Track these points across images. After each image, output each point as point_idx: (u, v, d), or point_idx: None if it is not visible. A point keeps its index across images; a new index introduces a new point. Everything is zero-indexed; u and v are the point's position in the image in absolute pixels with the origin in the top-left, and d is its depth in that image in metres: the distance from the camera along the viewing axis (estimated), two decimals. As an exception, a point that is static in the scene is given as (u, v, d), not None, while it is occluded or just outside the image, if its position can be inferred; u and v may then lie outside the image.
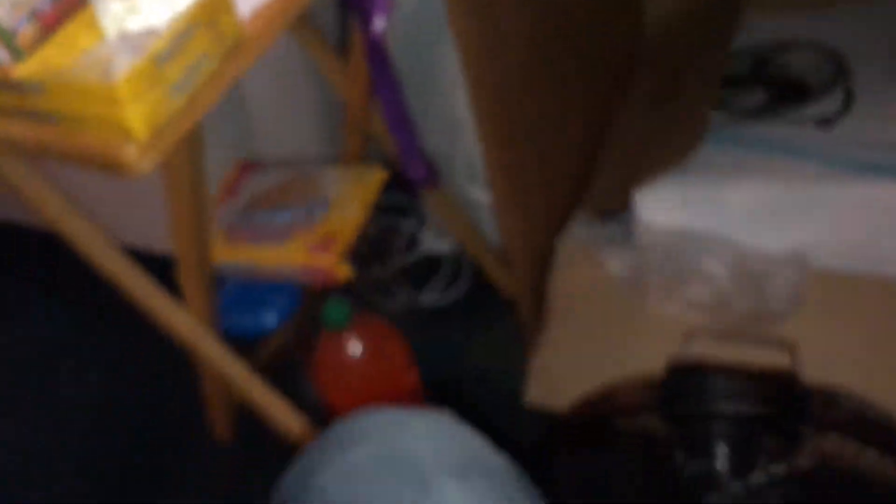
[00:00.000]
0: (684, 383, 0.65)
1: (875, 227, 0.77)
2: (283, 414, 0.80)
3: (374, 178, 0.93)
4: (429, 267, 1.16)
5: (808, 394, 0.63)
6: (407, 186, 0.99)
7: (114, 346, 1.13)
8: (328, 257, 0.84)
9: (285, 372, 0.99)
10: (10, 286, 1.35)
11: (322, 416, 0.86)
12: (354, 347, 0.80)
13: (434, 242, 1.17)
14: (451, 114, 0.91)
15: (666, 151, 0.87)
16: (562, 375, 0.88)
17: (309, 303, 0.95)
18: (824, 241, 0.79)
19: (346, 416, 0.51)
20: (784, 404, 0.62)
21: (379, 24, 0.65)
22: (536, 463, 0.72)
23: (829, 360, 0.77)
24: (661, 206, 0.87)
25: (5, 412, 1.18)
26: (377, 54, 0.67)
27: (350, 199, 0.90)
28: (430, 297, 1.13)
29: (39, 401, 1.17)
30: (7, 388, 1.21)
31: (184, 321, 0.77)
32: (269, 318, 0.91)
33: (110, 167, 0.55)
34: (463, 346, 1.08)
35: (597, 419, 0.71)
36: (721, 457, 0.63)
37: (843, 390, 0.68)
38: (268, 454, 0.92)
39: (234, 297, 0.90)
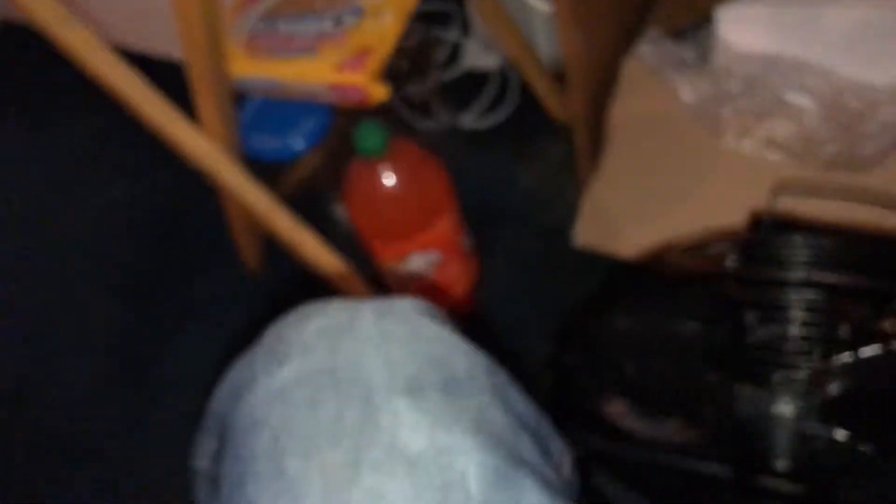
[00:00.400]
0: (770, 242, 0.57)
1: None
2: (311, 246, 0.74)
3: (415, -19, 0.80)
4: (472, 84, 1.06)
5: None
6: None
7: (141, 156, 1.06)
8: (361, 75, 0.74)
9: (315, 200, 0.92)
10: (35, 95, 1.28)
11: (353, 247, 0.80)
12: (389, 176, 0.72)
13: (479, 56, 1.05)
14: None
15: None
16: (618, 215, 0.80)
17: (341, 125, 0.86)
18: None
19: (286, 317, 0.43)
20: (882, 273, 0.54)
21: None
22: (591, 312, 0.66)
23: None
24: (746, 26, 0.74)
25: (32, 223, 1.15)
26: None
27: (386, 5, 0.79)
28: (473, 118, 1.03)
29: (67, 212, 1.14)
30: (35, 199, 1.17)
31: (198, 142, 0.69)
32: (297, 142, 0.83)
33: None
34: (507, 174, 0.99)
35: (664, 270, 0.64)
36: (799, 326, 0.56)
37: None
38: (298, 285, 0.89)
39: (257, 118, 0.82)
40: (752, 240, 0.58)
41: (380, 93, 0.75)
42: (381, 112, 0.94)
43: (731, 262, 0.57)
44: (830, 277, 0.53)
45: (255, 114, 0.82)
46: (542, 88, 0.96)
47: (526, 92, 1.00)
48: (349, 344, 0.40)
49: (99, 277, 1.06)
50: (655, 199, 0.78)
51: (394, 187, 0.73)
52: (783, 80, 0.72)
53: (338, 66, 0.75)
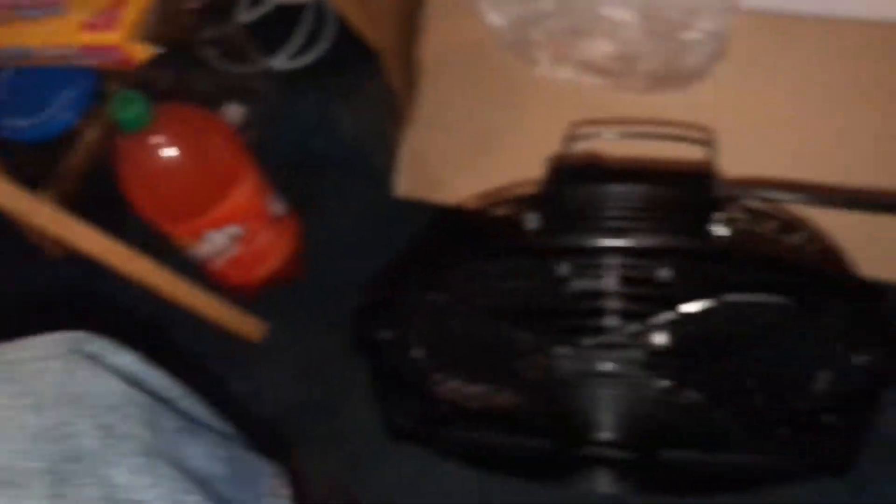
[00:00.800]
0: (568, 196, 0.50)
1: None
2: (83, 238, 0.64)
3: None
4: (286, 20, 0.94)
5: (719, 201, 0.49)
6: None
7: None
8: (114, 33, 0.63)
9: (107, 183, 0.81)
10: None
11: (145, 232, 0.70)
12: (161, 148, 0.62)
13: (286, -11, 0.94)
14: None
15: None
16: (437, 160, 0.73)
17: (112, 91, 0.75)
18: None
19: None
20: (692, 219, 0.48)
21: None
22: (399, 280, 0.58)
23: (744, 129, 0.63)
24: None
25: None
26: None
27: (141, -57, 0.67)
28: (287, 57, 0.92)
29: None
30: None
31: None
32: (61, 117, 0.71)
33: None
34: (327, 117, 0.89)
35: (477, 225, 0.57)
36: (612, 283, 0.50)
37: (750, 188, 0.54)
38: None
39: (12, 92, 0.69)
40: (547, 195, 0.51)
41: (141, 51, 0.64)
42: (178, 67, 0.83)
43: (531, 220, 0.51)
44: (638, 239, 0.47)
45: (7, 90, 0.69)
46: (358, 20, 0.86)
47: (344, 25, 0.89)
48: None
49: None
50: (474, 141, 0.70)
51: (168, 160, 0.63)
52: (596, -7, 0.65)
53: (86, 24, 0.64)
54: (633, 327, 0.48)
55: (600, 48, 0.65)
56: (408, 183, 0.74)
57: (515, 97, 0.69)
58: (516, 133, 0.68)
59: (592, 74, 0.66)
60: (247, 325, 0.78)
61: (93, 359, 0.34)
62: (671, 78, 0.64)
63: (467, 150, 0.71)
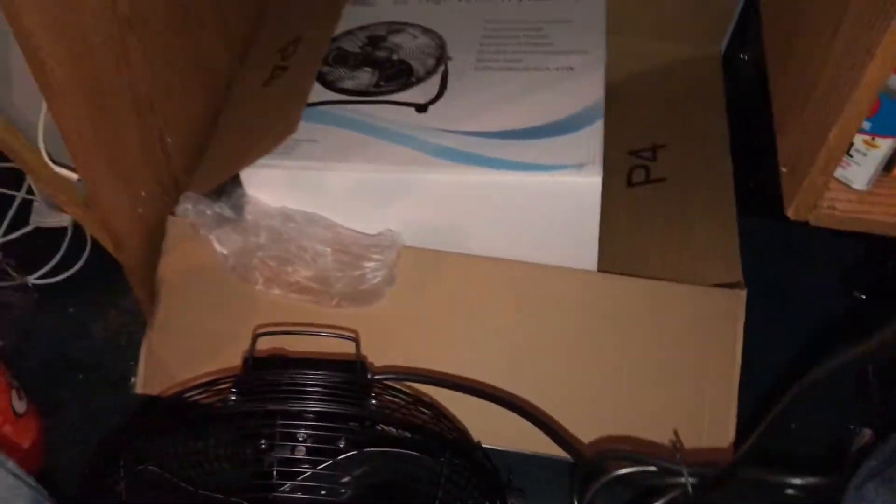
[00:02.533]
0: (258, 379, 0.65)
1: (459, 209, 0.82)
2: None
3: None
4: (44, 240, 1.07)
5: (372, 381, 0.66)
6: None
7: None
8: None
9: None
10: None
11: None
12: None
13: (47, 214, 1.07)
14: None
15: (272, 130, 0.86)
16: (172, 363, 0.85)
17: None
18: (415, 221, 0.83)
19: None
20: (352, 394, 0.65)
21: None
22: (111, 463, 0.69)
23: (414, 336, 0.83)
24: (268, 186, 0.86)
25: None
26: None
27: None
28: (45, 273, 1.03)
29: None
30: None
31: None
32: None
33: None
34: (80, 325, 1.00)
35: (187, 403, 0.69)
36: (300, 447, 0.65)
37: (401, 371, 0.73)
38: None
39: None
40: (239, 378, 0.66)
41: None
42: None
43: (230, 399, 0.65)
44: (302, 405, 0.63)
45: None
46: (108, 242, 1.00)
47: (99, 244, 1.03)
48: None
49: None
50: (204, 346, 0.84)
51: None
52: (300, 231, 0.84)
53: None
54: (321, 477, 0.62)
55: (302, 273, 0.84)
56: (145, 381, 0.86)
57: (236, 310, 0.85)
58: (237, 338, 0.83)
59: (297, 293, 0.84)
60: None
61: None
62: (357, 297, 0.83)
63: (198, 353, 0.85)
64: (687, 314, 0.81)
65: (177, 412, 0.66)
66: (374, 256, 0.83)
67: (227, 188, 0.89)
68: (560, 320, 0.82)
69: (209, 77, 0.96)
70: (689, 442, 0.80)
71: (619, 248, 0.88)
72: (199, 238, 0.86)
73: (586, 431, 0.81)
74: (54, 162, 0.81)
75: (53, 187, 0.90)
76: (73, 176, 0.80)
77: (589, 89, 0.86)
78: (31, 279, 1.03)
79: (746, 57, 1.11)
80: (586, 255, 0.82)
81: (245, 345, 0.83)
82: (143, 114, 0.83)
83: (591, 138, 0.81)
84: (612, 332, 0.82)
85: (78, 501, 0.67)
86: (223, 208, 0.87)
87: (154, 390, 0.86)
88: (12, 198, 1.09)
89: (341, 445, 0.66)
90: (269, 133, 0.85)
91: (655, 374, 0.81)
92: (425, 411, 0.67)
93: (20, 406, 0.83)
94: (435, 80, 0.90)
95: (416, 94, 0.89)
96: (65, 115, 0.71)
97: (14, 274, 1.01)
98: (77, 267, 1.04)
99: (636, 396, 0.81)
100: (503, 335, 0.83)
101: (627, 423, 0.81)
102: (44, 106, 0.78)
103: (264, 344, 0.78)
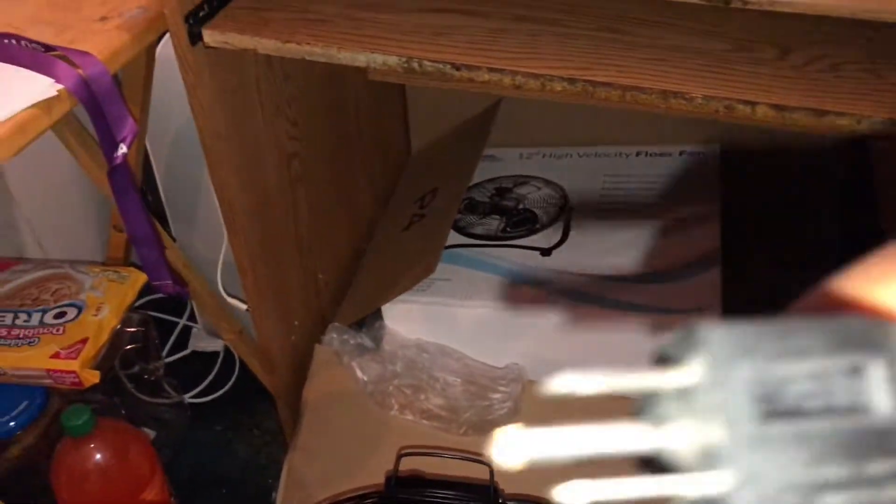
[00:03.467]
0: (401, 497, 0.71)
1: (580, 345, 0.89)
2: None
3: (133, 280, 0.95)
4: (200, 363, 1.19)
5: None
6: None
7: None
8: (74, 362, 0.85)
9: (32, 476, 0.97)
10: None
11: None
12: (95, 454, 0.81)
13: (203, 339, 1.19)
14: (216, 222, 0.95)
15: (412, 270, 0.96)
16: (312, 481, 0.93)
17: (57, 406, 0.95)
18: (539, 355, 0.90)
19: None
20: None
21: (121, 151, 0.69)
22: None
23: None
24: (405, 320, 0.95)
25: None
26: (120, 178, 0.71)
27: (105, 301, 0.92)
28: (198, 393, 1.14)
29: None
30: None
31: None
32: (10, 422, 0.90)
33: None
34: (225, 443, 1.10)
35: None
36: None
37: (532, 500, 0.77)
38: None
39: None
40: (383, 494, 0.72)
41: (91, 376, 0.86)
42: (107, 392, 1.04)
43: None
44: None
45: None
46: (257, 368, 1.11)
47: (246, 369, 1.14)
48: None
49: None
50: (343, 467, 0.91)
51: (99, 462, 0.81)
52: (433, 362, 0.92)
53: (54, 353, 0.86)
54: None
55: (433, 400, 0.91)
56: (285, 498, 0.93)
57: (373, 433, 0.92)
58: (373, 460, 0.90)
59: (428, 419, 0.91)
60: None
61: None
62: (483, 426, 0.89)
63: (335, 473, 0.92)
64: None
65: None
66: (501, 388, 0.89)
67: (369, 321, 0.98)
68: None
69: (357, 223, 1.08)
70: None
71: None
72: (342, 365, 0.95)
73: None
74: (228, 294, 0.92)
75: (217, 316, 1.03)
76: (242, 306, 0.92)
77: (702, 240, 0.92)
78: (188, 398, 1.13)
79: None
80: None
81: (379, 466, 0.90)
82: (303, 254, 0.95)
83: (706, 286, 0.86)
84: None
85: None
86: (364, 339, 0.96)
87: (293, 507, 0.93)
88: (174, 324, 1.22)
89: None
90: (408, 273, 0.95)
91: None
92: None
93: (175, 513, 0.92)
94: (558, 227, 0.99)
95: (540, 239, 0.98)
96: (243, 253, 0.83)
97: (173, 393, 1.12)
98: (226, 388, 1.15)
99: None
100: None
101: None
102: (224, 246, 0.91)
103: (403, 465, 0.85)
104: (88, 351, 0.87)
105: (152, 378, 1.15)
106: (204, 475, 1.06)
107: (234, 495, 1.03)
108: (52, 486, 0.98)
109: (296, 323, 0.97)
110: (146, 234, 0.77)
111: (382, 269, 1.03)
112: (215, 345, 1.19)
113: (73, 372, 0.85)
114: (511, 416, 0.89)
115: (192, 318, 1.20)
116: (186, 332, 1.22)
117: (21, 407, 0.89)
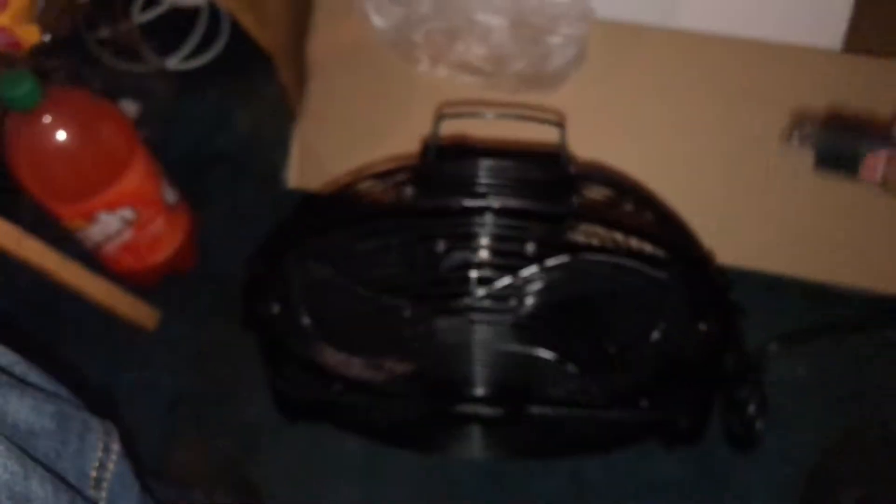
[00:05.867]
0: (441, 168, 0.55)
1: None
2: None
3: None
4: (181, 22, 0.97)
5: (574, 177, 0.55)
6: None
7: None
8: (2, 16, 0.65)
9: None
10: None
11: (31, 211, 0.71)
12: (51, 128, 0.64)
13: (182, -8, 0.96)
14: None
15: None
16: (327, 153, 0.77)
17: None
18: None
19: None
20: (550, 191, 0.53)
21: None
22: (281, 253, 0.61)
23: (605, 130, 0.70)
24: (433, -56, 0.72)
25: None
26: None
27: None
28: (182, 58, 0.95)
29: None
30: None
31: None
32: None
33: None
34: (221, 115, 0.92)
35: (351, 199, 0.61)
36: (483, 249, 0.55)
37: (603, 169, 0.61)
38: None
39: None
40: (420, 167, 0.56)
41: (30, 34, 0.66)
42: (69, 59, 0.85)
43: (407, 192, 0.55)
44: (503, 201, 0.52)
45: None
46: (250, 23, 0.90)
47: (238, 27, 0.93)
48: None
49: None
50: (361, 135, 0.75)
51: (59, 140, 0.65)
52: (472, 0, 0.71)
53: (-24, 6, 0.65)
54: (503, 285, 0.53)
55: (474, 50, 0.71)
56: (299, 175, 0.78)
57: (397, 93, 0.74)
58: (398, 126, 0.73)
59: (467, 74, 0.72)
60: (141, 314, 0.79)
61: None
62: (537, 79, 0.70)
63: (354, 143, 0.75)
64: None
65: (346, 206, 0.58)
66: (561, 31, 0.69)
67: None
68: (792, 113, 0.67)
69: None
70: None
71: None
72: (353, 11, 0.74)
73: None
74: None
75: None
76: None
77: None
78: (168, 63, 0.94)
79: None
80: (832, 27, 0.65)
81: (409, 133, 0.73)
82: None
83: None
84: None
85: (244, 302, 0.61)
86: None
87: (308, 185, 0.78)
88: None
89: (529, 249, 0.56)
90: None
91: None
92: (645, 213, 0.56)
93: (171, 196, 0.77)
94: None
95: None
96: None
97: (155, 58, 0.93)
98: (216, 51, 0.95)
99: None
100: (718, 130, 0.69)
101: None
102: None
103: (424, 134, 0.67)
104: (18, 0, 0.66)
105: (126, 43, 0.95)
106: (200, 152, 0.90)
107: (236, 174, 0.88)
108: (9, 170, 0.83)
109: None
110: None
111: None
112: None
113: (3, 28, 0.65)
114: (573, 66, 0.70)
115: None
116: (158, -17, 0.99)
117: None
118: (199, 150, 0.91)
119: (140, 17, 0.96)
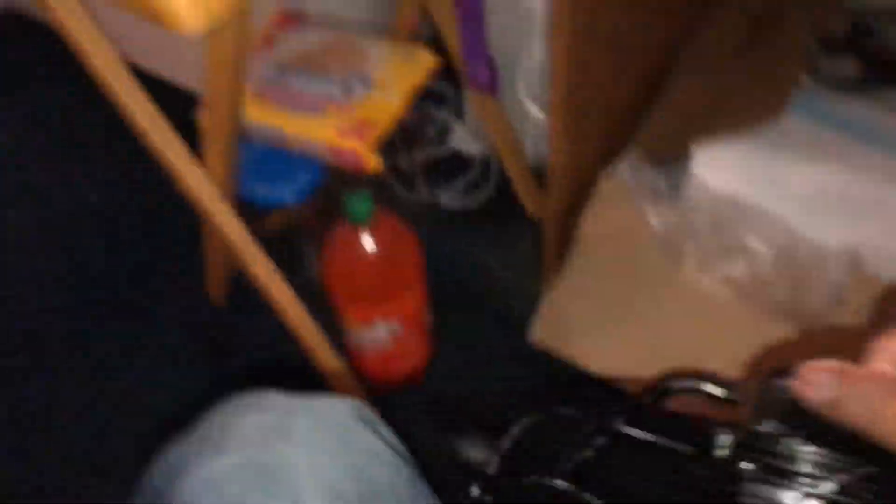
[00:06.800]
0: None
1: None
2: (277, 289, 0.76)
3: (424, 63, 0.85)
4: (456, 165, 1.10)
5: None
6: (454, 77, 0.92)
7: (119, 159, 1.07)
8: (360, 143, 0.78)
9: (292, 248, 0.95)
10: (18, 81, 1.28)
11: (316, 299, 0.82)
12: (369, 243, 0.75)
13: (465, 140, 1.10)
14: (527, 18, 0.83)
15: (740, 110, 0.80)
16: (573, 320, 0.84)
17: (331, 184, 0.90)
18: (887, 246, 0.74)
19: (226, 405, 0.45)
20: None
21: None
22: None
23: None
24: (718, 168, 0.80)
25: None
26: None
27: (394, 82, 0.83)
28: (452, 197, 1.07)
29: (35, 199, 1.14)
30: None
31: (196, 176, 0.71)
32: (287, 192, 0.85)
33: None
34: (477, 257, 1.03)
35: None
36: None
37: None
38: (256, 322, 0.90)
39: (255, 162, 0.84)
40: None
41: (374, 163, 0.79)
42: (370, 180, 0.99)
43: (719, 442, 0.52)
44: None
45: (254, 158, 0.84)
46: (522, 184, 1.01)
47: (505, 182, 1.04)
48: (283, 446, 0.43)
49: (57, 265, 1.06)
50: (610, 314, 0.82)
51: (371, 254, 0.76)
52: (745, 224, 0.78)
53: (340, 130, 0.79)
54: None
55: (739, 269, 0.78)
56: (543, 332, 0.86)
57: (656, 289, 0.81)
58: (649, 320, 0.80)
59: (728, 290, 0.78)
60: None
61: (368, 423, 0.47)
62: (794, 313, 0.76)
63: (601, 320, 0.82)
64: None
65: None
66: (828, 272, 0.75)
67: (670, 160, 0.85)
68: None
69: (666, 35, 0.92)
70: None
71: None
72: (631, 203, 0.83)
73: None
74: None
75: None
76: (540, 115, 0.80)
77: None
78: (441, 199, 1.06)
79: None
80: None
81: (652, 328, 0.79)
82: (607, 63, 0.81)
83: None
84: None
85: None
86: (663, 180, 0.83)
87: (550, 344, 0.85)
88: (437, 118, 1.13)
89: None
90: (741, 110, 0.79)
91: None
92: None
93: (428, 320, 0.87)
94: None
95: (912, 101, 0.79)
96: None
97: (427, 192, 1.06)
98: (484, 198, 1.06)
99: None
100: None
101: None
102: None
103: (672, 338, 0.73)
104: (373, 134, 0.79)
105: (412, 172, 1.09)
106: (450, 288, 1.00)
107: (480, 314, 0.97)
108: (307, 263, 0.96)
109: (587, 142, 0.85)
110: (476, 10, 0.66)
111: (700, 98, 0.87)
112: (475, 147, 1.10)
113: (359, 154, 0.78)
114: (830, 309, 0.75)
115: (457, 112, 1.11)
116: (445, 129, 1.13)
117: (301, 180, 0.85)
118: (451, 285, 1.01)
119: (427, 154, 1.10)
